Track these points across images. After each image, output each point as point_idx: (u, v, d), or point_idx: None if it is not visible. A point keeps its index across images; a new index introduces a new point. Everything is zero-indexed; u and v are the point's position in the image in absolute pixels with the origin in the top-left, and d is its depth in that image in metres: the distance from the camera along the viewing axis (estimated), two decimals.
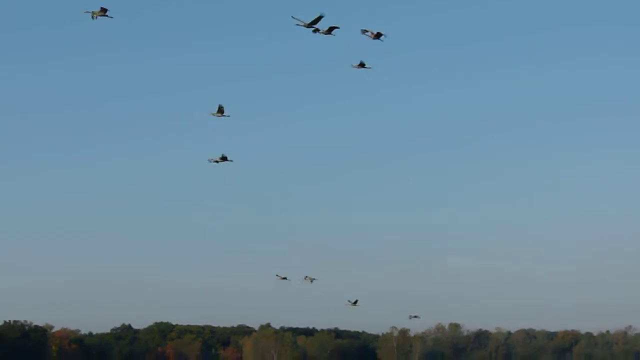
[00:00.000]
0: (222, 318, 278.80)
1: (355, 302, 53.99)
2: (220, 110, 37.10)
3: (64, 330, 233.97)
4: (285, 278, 53.46)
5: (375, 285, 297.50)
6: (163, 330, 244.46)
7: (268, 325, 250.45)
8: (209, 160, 42.38)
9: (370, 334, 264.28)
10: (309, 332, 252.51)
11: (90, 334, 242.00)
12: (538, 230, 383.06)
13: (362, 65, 38.77)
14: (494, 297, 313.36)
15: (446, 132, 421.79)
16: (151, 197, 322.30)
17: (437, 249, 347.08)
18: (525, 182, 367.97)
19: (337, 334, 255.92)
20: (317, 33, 37.72)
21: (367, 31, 39.59)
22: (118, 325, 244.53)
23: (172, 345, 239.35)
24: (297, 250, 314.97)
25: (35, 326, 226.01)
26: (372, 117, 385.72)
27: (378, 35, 38.39)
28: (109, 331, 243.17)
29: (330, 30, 38.85)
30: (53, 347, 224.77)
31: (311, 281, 59.86)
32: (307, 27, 37.39)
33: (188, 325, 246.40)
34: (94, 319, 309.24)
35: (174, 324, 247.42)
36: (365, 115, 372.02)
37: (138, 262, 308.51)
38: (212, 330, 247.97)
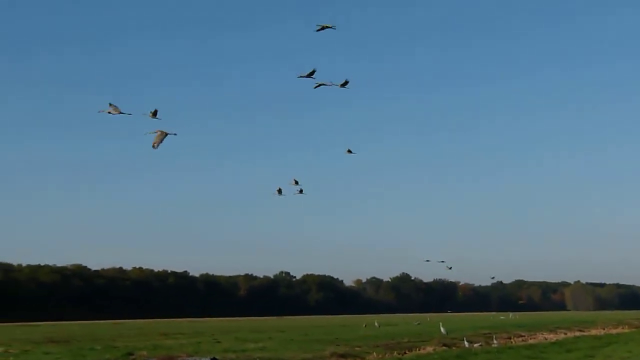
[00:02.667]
0: (555, 276, 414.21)
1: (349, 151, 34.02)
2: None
3: (465, 284, 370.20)
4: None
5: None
6: (520, 285, 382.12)
7: (578, 281, 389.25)
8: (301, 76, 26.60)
9: (635, 286, 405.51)
10: (601, 285, 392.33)
11: (479, 285, 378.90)
12: None
13: (349, 151, 33.14)
14: None
15: None
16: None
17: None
18: None
19: (618, 285, 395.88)
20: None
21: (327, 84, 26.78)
22: (494, 281, 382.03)
23: (525, 292, 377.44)
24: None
25: (443, 280, 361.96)
26: None
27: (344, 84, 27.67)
28: (489, 284, 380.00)
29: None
30: (460, 294, 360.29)
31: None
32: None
33: (533, 282, 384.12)
34: (476, 274, 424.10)
35: (526, 280, 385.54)
36: None
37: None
38: (546, 284, 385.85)
